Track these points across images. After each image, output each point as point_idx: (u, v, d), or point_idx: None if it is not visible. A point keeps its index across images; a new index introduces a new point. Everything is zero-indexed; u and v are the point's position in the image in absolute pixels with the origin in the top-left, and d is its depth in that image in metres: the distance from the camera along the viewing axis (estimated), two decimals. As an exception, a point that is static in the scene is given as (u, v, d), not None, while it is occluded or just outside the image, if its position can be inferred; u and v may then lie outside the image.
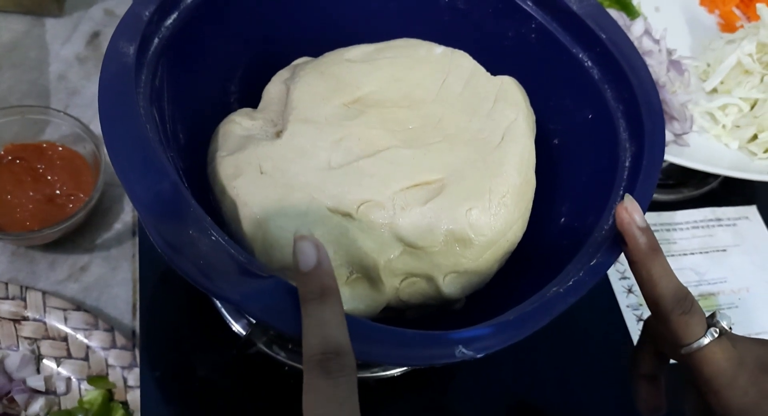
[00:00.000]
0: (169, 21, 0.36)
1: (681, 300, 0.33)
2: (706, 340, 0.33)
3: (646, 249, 0.34)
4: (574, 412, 0.52)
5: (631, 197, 0.35)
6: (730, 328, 0.34)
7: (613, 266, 0.60)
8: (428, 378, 0.50)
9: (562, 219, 0.42)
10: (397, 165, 0.37)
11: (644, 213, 0.35)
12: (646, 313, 0.58)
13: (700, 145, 0.62)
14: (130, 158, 0.29)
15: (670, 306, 0.33)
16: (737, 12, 0.76)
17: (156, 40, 0.35)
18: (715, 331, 0.33)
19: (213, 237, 0.28)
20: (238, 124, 0.39)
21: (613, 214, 0.35)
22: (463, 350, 0.28)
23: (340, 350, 0.26)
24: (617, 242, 0.34)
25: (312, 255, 0.28)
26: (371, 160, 0.37)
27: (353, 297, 0.36)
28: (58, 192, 0.53)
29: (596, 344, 0.56)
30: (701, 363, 0.34)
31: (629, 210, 0.34)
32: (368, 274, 0.35)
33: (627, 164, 0.39)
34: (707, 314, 0.34)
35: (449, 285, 0.37)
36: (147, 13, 0.34)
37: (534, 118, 0.42)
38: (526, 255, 0.40)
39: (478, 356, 0.28)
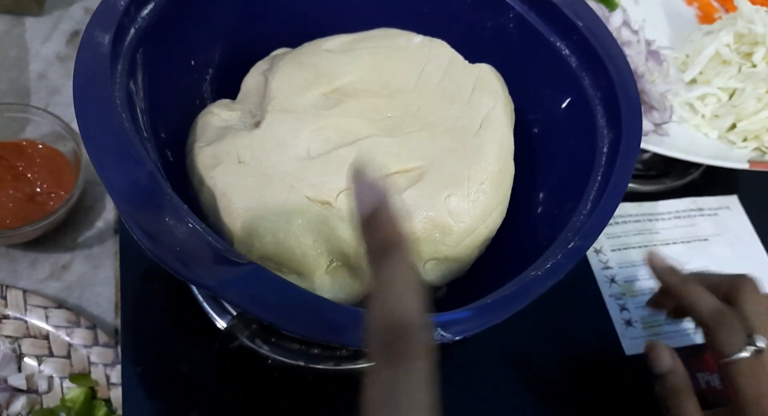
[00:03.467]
0: (146, 11, 0.36)
1: (721, 318, 0.40)
2: (741, 355, 0.39)
3: (678, 282, 0.43)
4: (561, 404, 0.52)
5: (653, 251, 0.46)
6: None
7: (596, 256, 0.61)
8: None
9: (541, 206, 0.42)
10: (376, 153, 0.37)
11: (622, 198, 0.36)
12: (629, 303, 0.58)
13: (679, 134, 0.63)
14: (106, 147, 0.29)
15: (711, 324, 0.40)
16: (715, 4, 0.77)
17: (132, 31, 0.35)
18: (751, 348, 0.39)
19: (190, 225, 0.28)
20: (217, 115, 0.39)
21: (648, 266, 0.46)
22: (442, 333, 0.28)
23: (403, 326, 0.20)
24: (595, 226, 0.35)
25: (372, 194, 0.22)
26: (350, 148, 0.37)
27: (333, 286, 0.36)
28: (38, 190, 0.53)
29: (579, 333, 0.56)
30: (734, 374, 0.38)
31: (654, 260, 0.45)
32: (348, 262, 0.35)
33: (605, 150, 0.40)
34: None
35: (429, 273, 0.37)
36: (122, 3, 0.34)
37: (512, 105, 0.43)
38: (506, 242, 0.40)
39: (457, 338, 0.28)
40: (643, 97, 0.61)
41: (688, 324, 0.58)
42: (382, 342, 0.20)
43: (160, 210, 0.28)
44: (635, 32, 0.63)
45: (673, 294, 0.43)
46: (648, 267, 0.45)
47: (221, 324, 0.46)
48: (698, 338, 0.57)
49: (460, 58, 0.43)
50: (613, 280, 0.59)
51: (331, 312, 0.28)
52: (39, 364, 0.48)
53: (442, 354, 0.52)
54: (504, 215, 0.39)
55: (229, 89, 0.43)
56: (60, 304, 0.49)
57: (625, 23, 0.63)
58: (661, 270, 0.45)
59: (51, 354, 0.48)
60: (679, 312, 0.48)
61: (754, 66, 0.64)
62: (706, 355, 0.53)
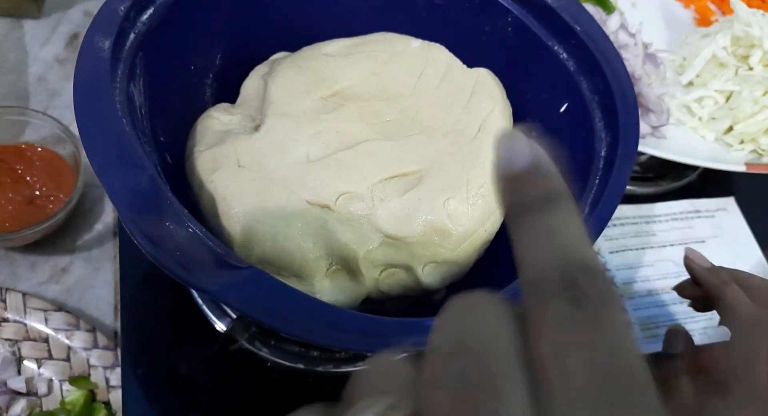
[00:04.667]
0: (145, 16, 0.36)
1: (756, 328, 0.40)
2: None
3: (718, 283, 0.42)
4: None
5: (690, 248, 0.45)
6: None
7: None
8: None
9: (540, 209, 0.42)
10: (376, 157, 0.37)
11: (620, 200, 0.36)
12: (627, 304, 0.58)
13: (677, 137, 0.63)
14: (106, 152, 0.29)
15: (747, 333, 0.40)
16: (712, 6, 0.77)
17: (132, 35, 0.35)
18: None
19: (190, 230, 0.28)
20: (216, 119, 0.39)
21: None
22: (441, 336, 0.28)
23: (588, 266, 0.15)
24: (593, 228, 0.35)
25: (525, 150, 0.17)
26: (349, 152, 0.37)
27: (333, 289, 0.36)
28: (37, 193, 0.53)
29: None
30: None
31: (693, 260, 0.44)
32: (348, 266, 0.35)
33: (603, 154, 0.40)
34: None
35: (428, 276, 0.37)
36: (122, 8, 0.34)
37: (510, 109, 0.43)
38: (505, 245, 0.40)
39: (456, 341, 0.28)
40: (641, 100, 0.61)
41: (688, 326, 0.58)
42: (557, 287, 0.15)
43: (160, 214, 0.28)
44: (632, 35, 0.63)
45: (711, 295, 0.43)
46: (685, 266, 0.44)
47: (220, 326, 0.46)
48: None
49: (458, 62, 0.43)
50: (609, 281, 0.60)
51: (332, 315, 0.28)
52: (38, 367, 0.48)
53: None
54: (503, 218, 0.40)
55: (229, 93, 0.43)
56: (59, 307, 0.49)
57: (623, 26, 0.63)
58: (698, 271, 0.44)
59: (50, 357, 0.48)
60: (703, 305, 0.47)
61: (751, 69, 0.64)
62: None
